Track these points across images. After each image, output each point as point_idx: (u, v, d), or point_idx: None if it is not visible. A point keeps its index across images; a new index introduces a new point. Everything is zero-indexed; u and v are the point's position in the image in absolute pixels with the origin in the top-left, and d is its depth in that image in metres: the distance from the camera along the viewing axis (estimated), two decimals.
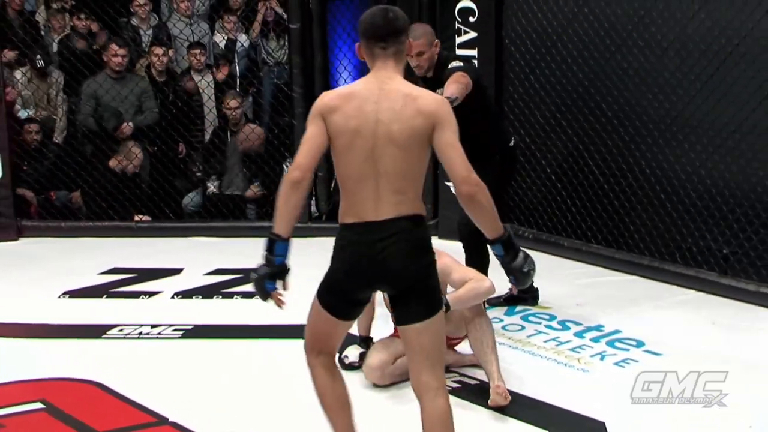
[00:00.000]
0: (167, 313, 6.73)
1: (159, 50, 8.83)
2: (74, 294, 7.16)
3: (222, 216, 8.64)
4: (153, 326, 6.48)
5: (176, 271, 7.56)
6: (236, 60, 9.11)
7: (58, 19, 9.42)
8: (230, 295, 7.04)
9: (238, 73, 9.07)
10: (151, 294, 7.16)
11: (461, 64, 5.73)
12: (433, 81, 5.68)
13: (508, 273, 3.98)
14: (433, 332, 3.85)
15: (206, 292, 7.14)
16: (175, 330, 6.45)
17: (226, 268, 7.52)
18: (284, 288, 3.84)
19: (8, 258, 8.03)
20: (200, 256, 7.89)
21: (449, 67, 5.67)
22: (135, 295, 7.16)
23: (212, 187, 8.74)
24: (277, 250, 3.78)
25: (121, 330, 6.44)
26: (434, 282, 3.88)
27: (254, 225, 8.35)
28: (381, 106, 3.76)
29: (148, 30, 9.35)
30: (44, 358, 6.01)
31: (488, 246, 3.95)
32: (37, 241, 8.45)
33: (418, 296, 3.82)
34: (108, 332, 6.40)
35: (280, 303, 3.86)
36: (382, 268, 3.78)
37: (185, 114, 8.79)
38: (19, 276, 7.57)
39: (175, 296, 7.10)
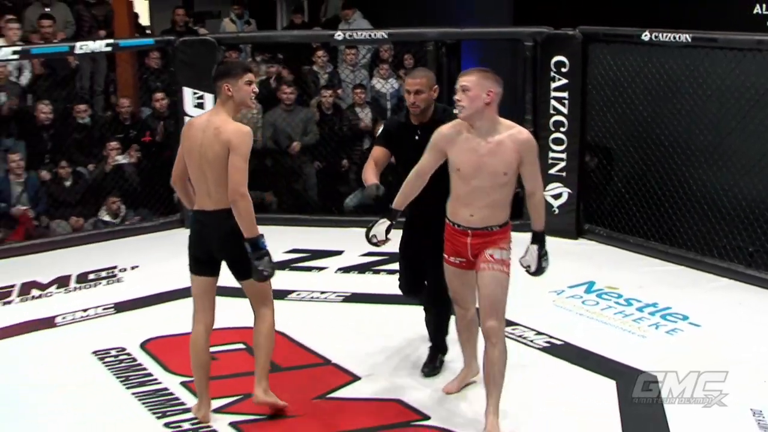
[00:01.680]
0: (332, 283, 6.87)
1: (327, 92, 8.98)
2: None
3: (373, 212, 8.74)
4: (321, 292, 6.67)
5: (338, 253, 7.61)
6: (387, 98, 9.22)
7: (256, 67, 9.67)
8: (378, 272, 7.11)
9: (389, 108, 9.15)
10: (320, 269, 7.28)
11: None
12: (428, 128, 4.61)
13: (253, 266, 4.39)
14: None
15: (361, 268, 7.22)
16: (338, 296, 6.61)
17: (376, 252, 7.52)
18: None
19: None
20: (357, 242, 7.72)
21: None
22: (308, 269, 7.29)
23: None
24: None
25: (298, 294, 6.65)
26: None
27: (398, 220, 8.50)
28: None
29: (324, 75, 9.53)
30: (244, 313, 6.21)
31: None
32: None
33: None
34: (289, 295, 6.59)
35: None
36: None
37: (349, 138, 8.96)
38: None
39: (338, 271, 7.21)
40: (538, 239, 4.49)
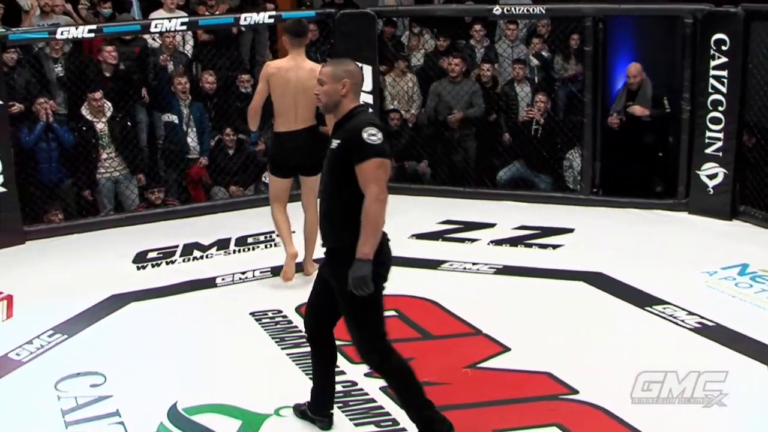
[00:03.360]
0: (484, 255, 6.87)
1: (485, 66, 8.95)
2: (419, 236, 7.40)
3: (526, 186, 8.70)
4: (473, 263, 6.69)
5: (491, 225, 7.61)
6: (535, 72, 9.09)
7: (415, 41, 9.73)
8: (530, 245, 7.12)
9: (536, 82, 9.05)
10: (472, 240, 7.30)
11: (378, 141, 3.85)
12: (336, 128, 4.07)
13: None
14: None
15: (513, 241, 7.22)
16: (490, 268, 6.62)
17: (529, 225, 7.54)
18: None
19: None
20: (509, 215, 7.87)
21: (363, 137, 3.86)
22: (461, 240, 7.33)
23: (518, 165, 8.79)
24: None
25: (450, 265, 6.69)
26: None
27: (548, 194, 8.44)
28: None
29: (481, 49, 9.49)
30: (398, 280, 6.26)
31: None
32: (394, 197, 8.48)
33: None
34: (441, 266, 6.68)
35: None
36: None
37: (505, 111, 8.88)
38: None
39: (490, 243, 7.20)
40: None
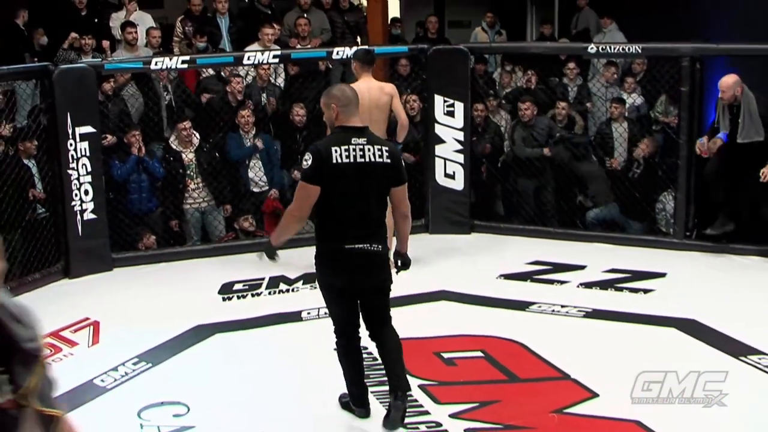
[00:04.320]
0: (573, 298, 6.78)
1: (561, 104, 8.81)
2: (508, 276, 7.34)
3: (618, 228, 8.54)
4: (562, 306, 6.59)
5: (581, 267, 7.51)
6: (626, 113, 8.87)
7: (507, 78, 9.72)
8: (621, 289, 7.00)
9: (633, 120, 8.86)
10: (562, 282, 7.20)
11: (305, 165, 4.52)
12: None
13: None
14: None
15: (603, 285, 7.10)
16: (579, 311, 6.51)
17: (619, 268, 7.42)
18: None
19: (464, 247, 8.18)
20: (600, 257, 7.76)
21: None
22: (550, 282, 7.24)
23: (610, 207, 8.62)
24: None
25: (539, 306, 6.60)
26: None
27: (640, 237, 8.27)
28: None
29: (574, 87, 9.44)
30: (485, 321, 6.31)
31: None
32: (483, 236, 8.51)
33: None
34: (530, 307, 6.59)
35: None
36: None
37: (601, 149, 8.76)
38: (470, 260, 7.80)
39: (579, 286, 7.10)
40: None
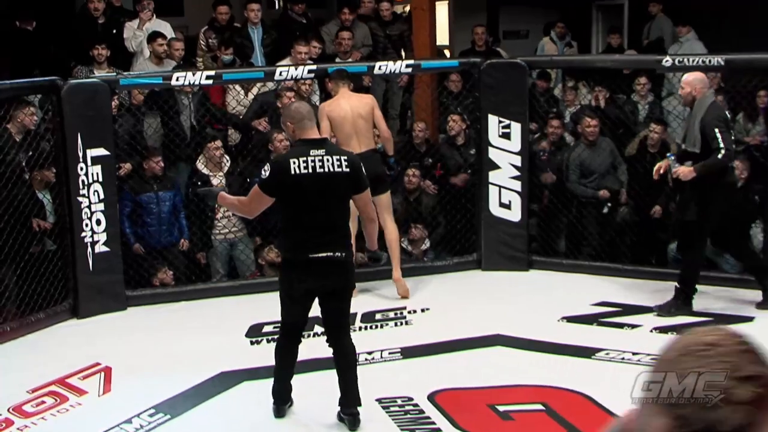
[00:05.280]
0: (646, 344, 6.58)
1: (656, 126, 8.72)
2: (571, 319, 7.31)
3: (711, 265, 8.35)
4: (634, 353, 6.50)
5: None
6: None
7: (570, 95, 9.72)
8: None
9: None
10: (633, 326, 7.14)
11: (263, 174, 5.31)
12: None
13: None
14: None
15: (681, 328, 6.86)
16: (653, 359, 6.38)
17: (700, 311, 7.30)
18: None
19: (522, 285, 8.18)
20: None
21: None
22: (620, 325, 7.18)
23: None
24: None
25: (607, 354, 6.53)
26: None
27: (724, 276, 8.14)
28: None
29: (645, 105, 9.38)
30: (546, 369, 6.26)
31: None
32: (543, 273, 8.45)
33: None
34: (596, 354, 6.53)
35: None
36: None
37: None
38: (528, 301, 7.77)
39: (653, 330, 7.02)
40: None
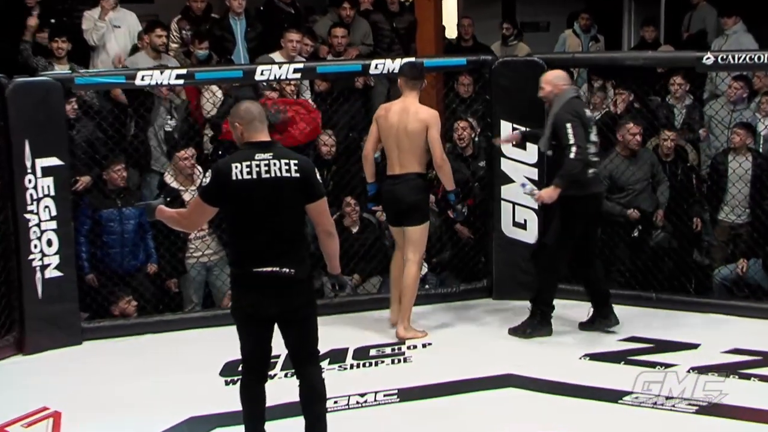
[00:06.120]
0: (683, 387, 6.54)
1: (669, 133, 8.75)
2: (594, 357, 7.25)
3: (755, 292, 8.38)
4: (668, 398, 6.42)
5: (693, 346, 7.37)
6: (762, 141, 8.86)
7: (599, 97, 9.67)
8: (747, 377, 6.81)
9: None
10: (667, 365, 7.00)
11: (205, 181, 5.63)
12: None
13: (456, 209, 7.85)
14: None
15: (723, 370, 6.90)
16: (690, 404, 6.33)
17: (746, 348, 7.26)
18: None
19: None
20: (720, 333, 7.64)
21: None
22: (651, 364, 7.06)
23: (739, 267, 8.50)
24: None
25: (636, 398, 6.46)
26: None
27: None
28: None
29: (682, 109, 9.36)
30: (568, 414, 6.22)
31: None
32: (563, 302, 8.14)
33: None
34: (624, 398, 6.46)
35: None
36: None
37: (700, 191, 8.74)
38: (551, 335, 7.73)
39: (691, 371, 6.86)
40: None
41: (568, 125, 7.19)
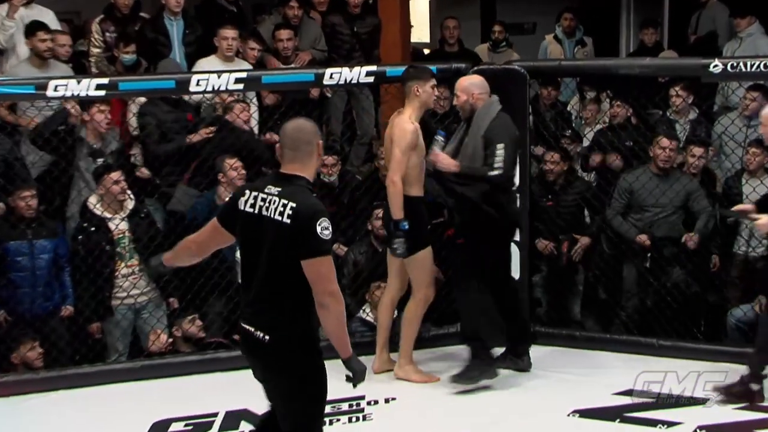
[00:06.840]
0: None
1: (697, 150, 8.68)
2: (584, 413, 7.17)
3: None
4: None
5: (701, 401, 7.26)
6: None
7: (590, 110, 9.69)
8: None
9: None
10: (670, 424, 6.94)
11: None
12: None
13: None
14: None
15: (736, 429, 6.88)
16: None
17: (764, 406, 7.16)
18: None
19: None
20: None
21: None
22: (652, 423, 7.00)
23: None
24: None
25: None
26: None
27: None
28: None
29: (685, 124, 9.33)
30: None
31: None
32: (550, 350, 8.46)
33: None
34: None
35: None
36: None
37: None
38: (530, 387, 7.69)
39: (698, 430, 6.85)
40: None
41: (500, 146, 7.27)
